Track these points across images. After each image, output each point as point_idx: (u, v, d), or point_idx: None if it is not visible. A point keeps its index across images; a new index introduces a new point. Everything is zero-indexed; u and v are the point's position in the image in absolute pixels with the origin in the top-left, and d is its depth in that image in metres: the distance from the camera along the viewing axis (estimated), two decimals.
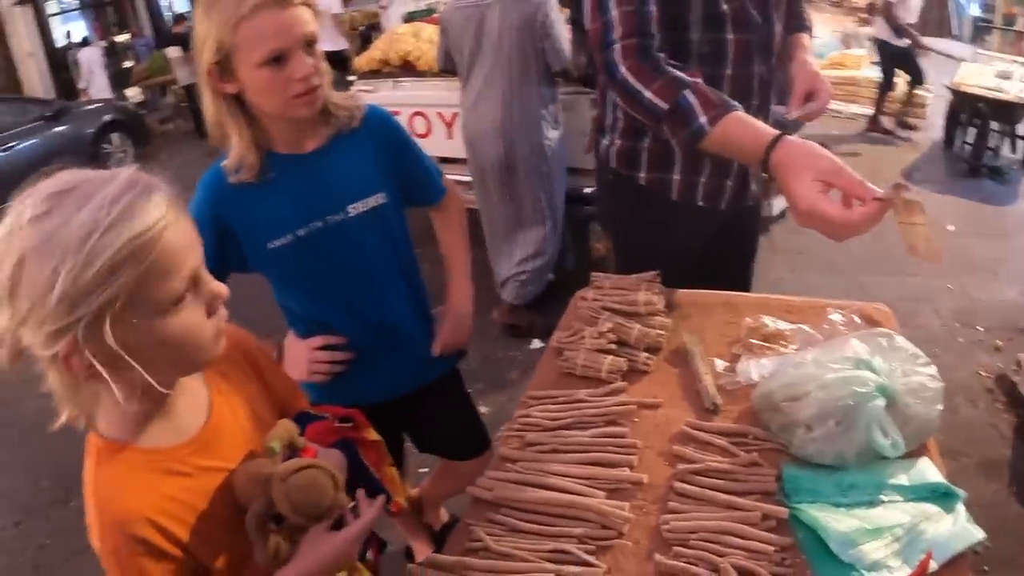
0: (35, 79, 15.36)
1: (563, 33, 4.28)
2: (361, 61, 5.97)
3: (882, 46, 8.74)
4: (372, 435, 1.53)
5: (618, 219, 2.34)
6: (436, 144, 5.09)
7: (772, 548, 1.29)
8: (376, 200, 1.91)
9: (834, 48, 11.41)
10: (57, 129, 10.13)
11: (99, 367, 1.04)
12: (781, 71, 2.12)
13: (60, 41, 16.68)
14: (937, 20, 10.36)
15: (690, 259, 2.14)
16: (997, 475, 3.40)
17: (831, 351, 1.54)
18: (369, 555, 1.53)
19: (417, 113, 5.30)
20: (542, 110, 4.40)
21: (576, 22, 4.32)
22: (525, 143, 4.38)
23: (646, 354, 1.82)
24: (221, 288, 1.17)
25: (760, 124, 1.68)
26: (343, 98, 1.88)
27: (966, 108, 7.72)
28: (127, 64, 17.36)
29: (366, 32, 11.01)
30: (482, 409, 3.68)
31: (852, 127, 9.34)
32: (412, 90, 5.46)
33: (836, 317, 1.83)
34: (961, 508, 1.34)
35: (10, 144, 9.33)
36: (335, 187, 1.86)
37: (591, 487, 1.44)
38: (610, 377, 1.75)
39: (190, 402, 1.26)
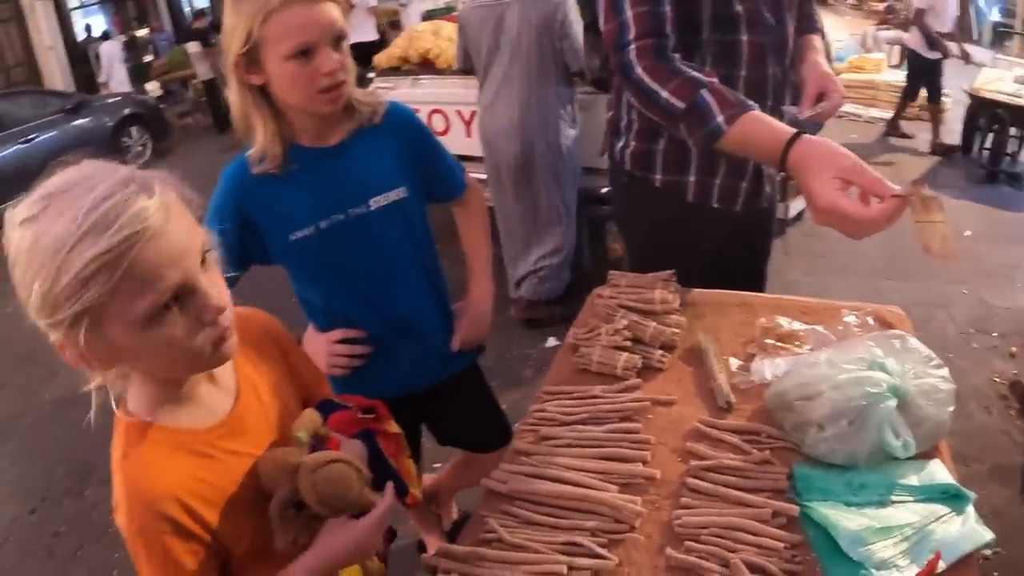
0: (55, 72, 15.44)
1: (581, 33, 4.29)
2: (380, 58, 5.99)
3: (912, 57, 8.49)
4: (393, 427, 1.55)
5: (633, 221, 2.35)
6: (454, 142, 5.09)
7: (782, 545, 1.30)
8: (397, 194, 1.93)
9: (853, 52, 11.37)
10: (77, 122, 10.19)
11: (92, 360, 1.08)
12: (793, 72, 2.13)
13: (80, 35, 16.78)
14: (959, 26, 10.31)
15: (704, 260, 2.14)
16: (1009, 481, 3.38)
17: (845, 352, 1.55)
18: (381, 545, 1.55)
19: (436, 111, 5.32)
20: (560, 110, 4.42)
21: (589, 25, 4.33)
22: (542, 142, 4.39)
23: (661, 352, 1.83)
24: (217, 300, 1.12)
25: (777, 123, 1.69)
26: (366, 94, 1.90)
27: (985, 113, 7.66)
28: (147, 59, 17.45)
29: (381, 29, 11.03)
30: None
31: (871, 131, 9.30)
32: (431, 88, 5.48)
33: (850, 319, 1.84)
34: (971, 510, 1.34)
35: (30, 136, 9.39)
36: (357, 180, 1.88)
37: (604, 481, 1.46)
38: (625, 374, 1.76)
39: (218, 386, 1.28)
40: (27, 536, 3.72)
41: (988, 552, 2.89)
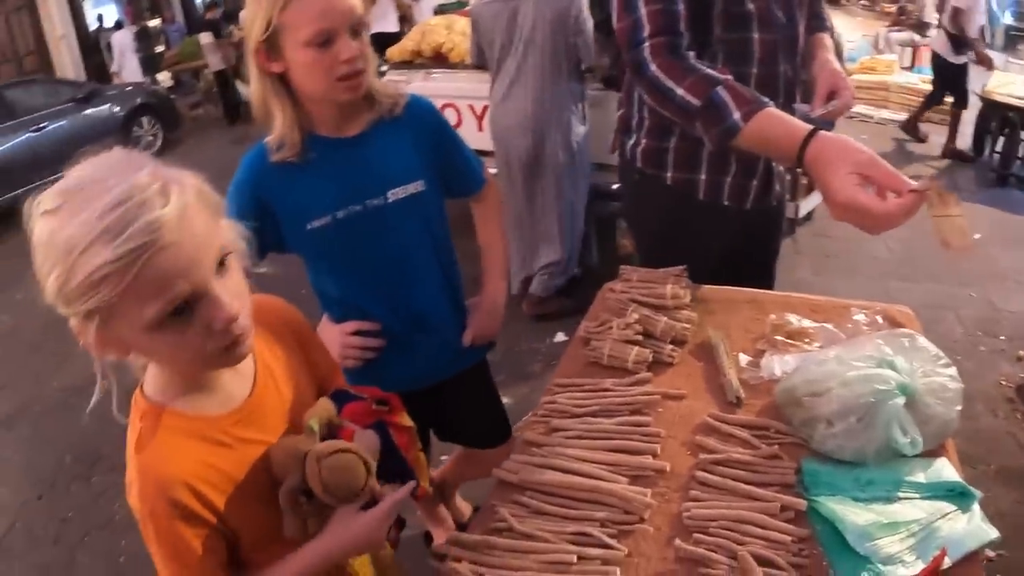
0: (67, 62, 15.46)
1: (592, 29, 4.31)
2: (393, 52, 6.00)
3: (936, 61, 8.34)
4: (406, 420, 1.56)
5: (643, 218, 2.36)
6: (466, 136, 4.98)
7: (790, 539, 1.31)
8: (416, 187, 1.93)
9: (865, 53, 11.34)
10: (88, 111, 10.22)
11: (106, 349, 1.10)
12: (804, 71, 2.13)
13: (93, 24, 16.81)
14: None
15: (714, 258, 2.15)
16: (1015, 484, 3.39)
17: (854, 349, 1.56)
18: (391, 532, 1.56)
19: (448, 105, 5.31)
20: (571, 106, 4.44)
21: (599, 23, 4.33)
22: (553, 138, 4.41)
23: (671, 346, 1.84)
24: (228, 308, 1.11)
25: (793, 119, 1.69)
26: (387, 86, 1.91)
27: (996, 117, 7.65)
28: (158, 49, 17.48)
29: None
30: (505, 400, 3.71)
31: (882, 133, 9.29)
32: (443, 82, 5.49)
33: (859, 317, 1.85)
34: (976, 508, 1.35)
35: (42, 125, 9.42)
36: (376, 172, 1.89)
37: (614, 473, 1.47)
38: (636, 368, 1.77)
39: (236, 373, 1.29)
40: (34, 522, 3.74)
41: (992, 554, 2.91)
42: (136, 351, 1.14)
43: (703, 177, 2.11)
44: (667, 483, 1.47)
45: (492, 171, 4.47)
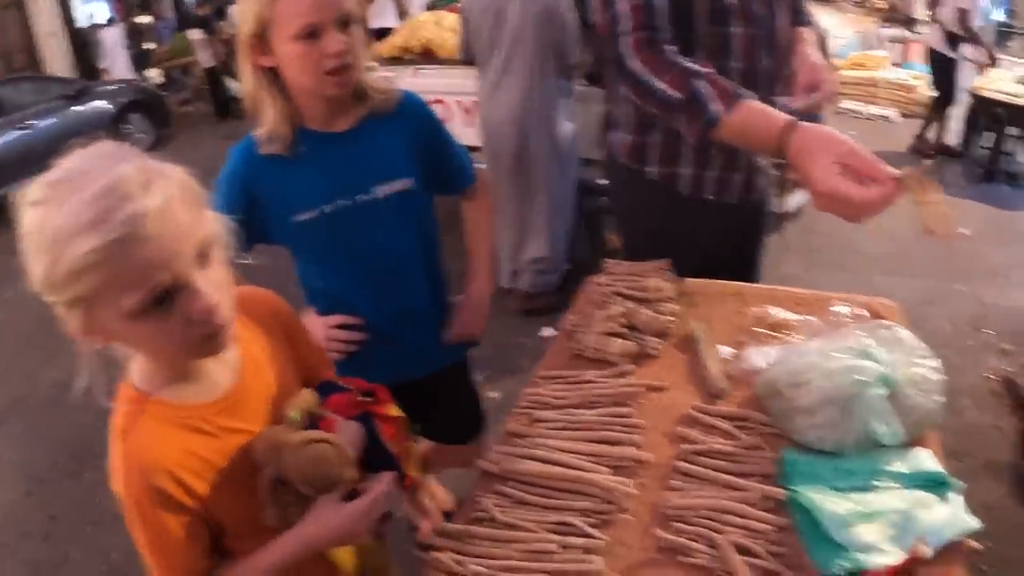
0: (57, 58, 15.39)
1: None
2: (383, 48, 6.00)
3: (933, 56, 8.19)
4: (394, 411, 1.56)
5: (628, 213, 2.37)
6: (455, 132, 5.02)
7: (769, 527, 1.33)
8: (404, 184, 1.94)
9: (855, 49, 11.37)
10: (77, 108, 10.15)
11: (92, 336, 1.12)
12: (786, 65, 2.15)
13: (83, 21, 16.76)
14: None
15: (699, 252, 2.16)
16: (1001, 477, 3.42)
17: (835, 341, 1.58)
18: (378, 524, 1.57)
19: (437, 101, 5.30)
20: (559, 101, 4.45)
21: (582, 20, 4.35)
22: (540, 133, 4.43)
23: (655, 339, 1.85)
24: (207, 299, 1.12)
25: (774, 111, 1.71)
26: (379, 82, 1.92)
27: (984, 113, 7.69)
28: (149, 45, 17.42)
29: None
30: (492, 394, 3.73)
31: (871, 128, 9.32)
32: (432, 78, 5.48)
33: (842, 309, 1.87)
34: (957, 497, 1.37)
35: (31, 122, 9.37)
36: (364, 167, 1.90)
37: (596, 464, 1.48)
38: (619, 360, 1.79)
39: (221, 363, 1.30)
40: (24, 518, 3.73)
41: (979, 546, 2.92)
42: (120, 339, 1.15)
43: (686, 172, 2.12)
44: (648, 473, 1.49)
45: (481, 166, 4.51)
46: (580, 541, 1.33)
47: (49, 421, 4.45)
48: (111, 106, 10.62)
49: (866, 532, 1.29)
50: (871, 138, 8.70)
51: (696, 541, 1.31)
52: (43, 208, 1.03)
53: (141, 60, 15.72)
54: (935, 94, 8.29)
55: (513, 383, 4.06)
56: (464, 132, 5.10)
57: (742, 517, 1.35)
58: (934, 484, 1.39)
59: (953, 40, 7.74)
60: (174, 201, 1.08)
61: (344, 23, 1.73)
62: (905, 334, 1.60)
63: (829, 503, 1.34)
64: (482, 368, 4.03)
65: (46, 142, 8.74)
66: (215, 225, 1.20)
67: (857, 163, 1.52)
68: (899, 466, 1.42)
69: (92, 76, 14.00)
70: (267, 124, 1.81)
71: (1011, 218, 6.56)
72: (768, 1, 2.02)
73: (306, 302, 2.08)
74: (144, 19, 18.59)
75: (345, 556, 1.48)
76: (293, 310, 1.59)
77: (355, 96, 1.86)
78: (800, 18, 2.23)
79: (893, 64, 11.10)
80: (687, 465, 1.48)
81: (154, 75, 15.43)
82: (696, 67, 1.80)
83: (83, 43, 15.90)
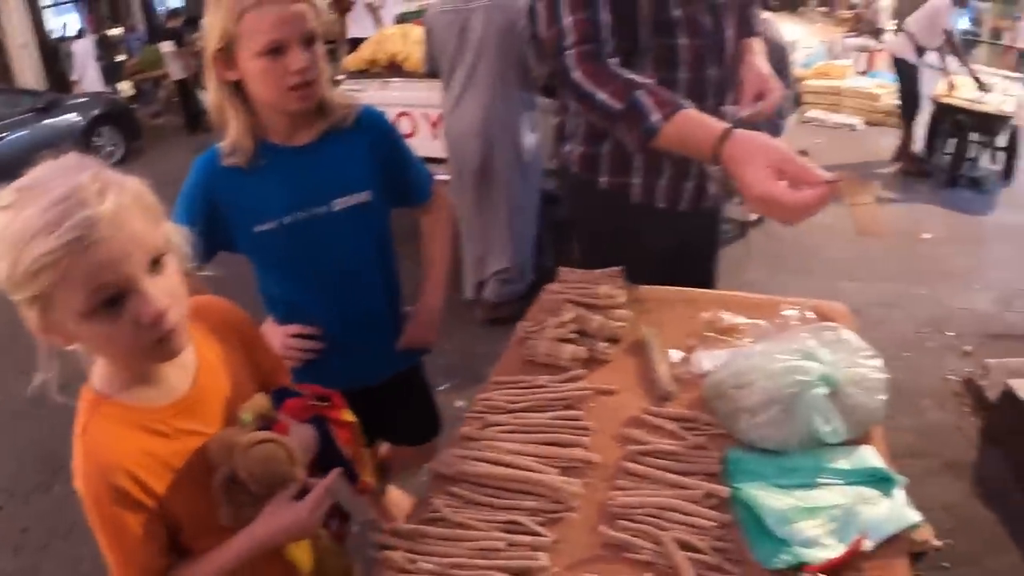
0: (27, 70, 15.28)
1: None
2: (350, 61, 6.04)
3: (897, 64, 8.19)
4: (347, 416, 1.60)
5: (581, 222, 2.40)
6: (421, 144, 5.12)
7: (712, 524, 1.36)
8: (362, 197, 1.98)
9: (821, 58, 11.49)
10: (47, 121, 10.09)
11: (52, 335, 1.18)
12: (735, 74, 2.19)
13: (54, 32, 16.66)
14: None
15: (653, 260, 2.18)
16: (962, 476, 3.48)
17: (780, 343, 1.61)
18: (334, 524, 1.60)
19: (403, 113, 5.36)
20: (522, 113, 4.49)
21: (534, 35, 4.39)
22: (504, 145, 4.46)
23: (606, 344, 1.88)
24: (157, 304, 1.17)
25: (711, 119, 1.75)
26: (340, 96, 1.96)
27: (947, 119, 7.81)
28: (120, 58, 17.33)
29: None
30: (459, 402, 3.75)
31: (836, 136, 9.41)
32: (399, 90, 5.52)
33: (790, 313, 1.91)
34: (899, 492, 1.40)
35: (1, 135, 9.32)
36: (322, 181, 1.93)
37: (545, 465, 1.51)
38: (570, 364, 1.82)
39: (178, 367, 1.35)
40: None
41: (940, 543, 2.98)
42: (76, 339, 1.20)
43: (637, 181, 2.15)
44: (596, 474, 1.52)
45: (445, 178, 4.53)
46: (527, 539, 1.36)
47: (18, 433, 4.41)
48: (81, 119, 10.56)
49: (807, 527, 1.32)
50: (836, 146, 8.81)
51: (641, 538, 1.34)
52: (8, 212, 1.09)
53: (112, 72, 15.62)
54: (899, 102, 8.38)
55: (479, 391, 4.07)
56: (430, 144, 5.13)
57: (686, 514, 1.38)
58: (878, 480, 1.42)
59: (920, 50, 7.83)
60: (127, 209, 1.14)
61: (308, 40, 1.77)
62: (849, 335, 1.63)
63: (770, 499, 1.37)
64: (448, 377, 4.07)
65: (16, 155, 8.66)
66: (172, 235, 1.26)
67: (790, 168, 1.57)
68: (842, 463, 1.45)
69: (63, 88, 13.91)
70: (231, 136, 1.85)
71: (973, 222, 6.67)
72: (716, 13, 2.06)
73: (265, 310, 2.11)
74: (115, 31, 18.49)
75: (302, 556, 1.51)
76: (250, 318, 1.63)
77: (317, 111, 1.89)
78: (750, 29, 2.27)
79: (858, 73, 11.23)
80: (634, 465, 1.51)
81: (125, 88, 15.34)
82: (637, 78, 1.85)
83: (54, 55, 15.81)
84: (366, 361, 2.16)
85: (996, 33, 15.51)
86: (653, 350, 1.83)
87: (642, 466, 1.51)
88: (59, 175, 1.12)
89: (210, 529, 1.35)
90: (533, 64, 4.35)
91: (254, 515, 1.34)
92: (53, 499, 3.81)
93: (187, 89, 12.50)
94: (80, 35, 15.44)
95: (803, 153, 5.04)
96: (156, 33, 15.95)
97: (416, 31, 5.68)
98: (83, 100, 11.26)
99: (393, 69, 5.67)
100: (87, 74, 13.73)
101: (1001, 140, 7.72)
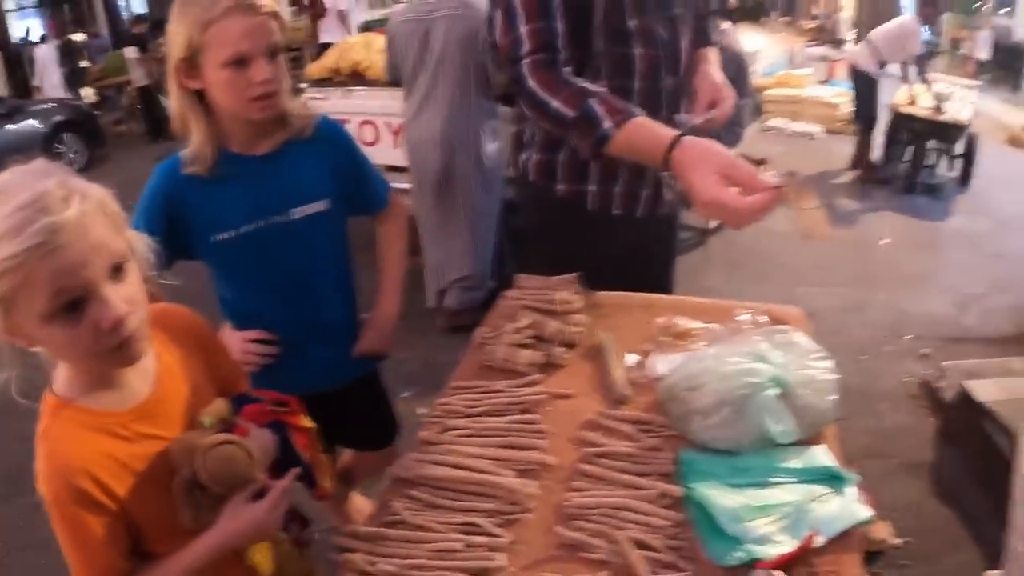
0: None
1: None
2: (313, 69, 6.05)
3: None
4: (305, 422, 1.61)
5: (538, 230, 2.42)
6: (383, 152, 5.20)
7: (666, 523, 1.38)
8: (319, 207, 2.01)
9: (782, 68, 11.62)
10: (8, 127, 10.01)
11: (14, 337, 1.20)
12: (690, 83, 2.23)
13: (16, 37, 16.48)
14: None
15: (609, 267, 2.19)
16: (920, 475, 3.55)
17: (732, 347, 1.64)
18: (293, 528, 1.62)
19: (366, 122, 5.40)
20: (482, 122, 4.52)
21: (492, 44, 4.41)
22: (464, 154, 4.49)
23: (562, 349, 1.90)
24: (116, 310, 1.19)
25: (661, 127, 1.80)
26: (300, 107, 1.98)
27: (904, 128, 7.93)
28: (83, 64, 17.18)
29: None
30: (420, 410, 3.76)
31: (796, 144, 9.51)
32: (362, 99, 5.55)
33: (744, 317, 1.94)
34: (850, 490, 1.43)
35: None
36: (281, 190, 1.96)
37: (503, 467, 1.54)
38: (527, 369, 1.84)
39: (139, 373, 1.37)
40: None
41: (899, 541, 3.04)
42: (38, 343, 1.22)
43: (592, 188, 2.18)
44: (552, 476, 1.54)
45: (406, 186, 4.54)
46: (485, 540, 1.38)
47: None
48: (43, 126, 10.48)
49: (759, 525, 1.35)
50: (796, 154, 8.91)
51: (596, 537, 1.36)
52: None
53: (75, 78, 15.49)
54: (855, 110, 8.50)
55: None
56: (392, 153, 5.17)
57: (641, 514, 1.40)
58: (829, 479, 1.45)
59: (882, 63, 7.94)
60: (90, 216, 1.17)
61: (272, 52, 1.80)
62: (800, 338, 1.66)
63: (723, 498, 1.39)
64: (410, 385, 4.08)
65: None
66: (134, 244, 1.28)
67: (736, 174, 1.62)
68: (794, 463, 1.48)
69: (25, 94, 13.77)
70: (192, 145, 1.86)
71: (929, 228, 6.78)
72: (672, 24, 2.10)
73: (222, 317, 2.12)
74: (78, 37, 18.32)
75: (263, 560, 1.52)
76: (209, 325, 1.65)
77: (277, 121, 1.92)
78: (706, 39, 2.31)
79: (819, 82, 11.37)
80: (589, 467, 1.53)
81: (88, 94, 15.22)
82: (590, 87, 1.89)
83: (16, 60, 15.64)
84: (323, 367, 2.17)
85: (955, 43, 15.79)
86: (609, 355, 1.85)
87: (598, 468, 1.53)
88: (25, 181, 1.15)
89: (171, 533, 1.36)
90: (492, 72, 4.37)
91: (214, 518, 1.36)
92: (15, 511, 3.76)
93: (150, 96, 12.41)
94: (42, 40, 15.28)
95: (762, 161, 5.16)
96: (121, 38, 15.82)
97: (379, 40, 5.69)
98: (45, 106, 11.16)
99: (356, 78, 5.68)
100: (48, 79, 13.59)
101: (958, 148, 7.85)
